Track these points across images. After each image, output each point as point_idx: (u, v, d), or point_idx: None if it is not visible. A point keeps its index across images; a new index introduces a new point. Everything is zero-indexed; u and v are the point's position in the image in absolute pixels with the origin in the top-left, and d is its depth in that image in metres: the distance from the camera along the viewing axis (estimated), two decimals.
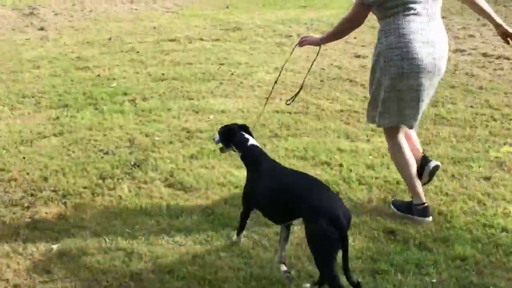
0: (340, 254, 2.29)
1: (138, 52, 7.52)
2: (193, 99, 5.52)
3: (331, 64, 6.76)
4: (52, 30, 9.16)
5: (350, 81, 6.09)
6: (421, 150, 3.46)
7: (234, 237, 2.99)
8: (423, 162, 3.39)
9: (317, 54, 3.70)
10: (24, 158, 4.16)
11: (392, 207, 3.40)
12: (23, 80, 6.22)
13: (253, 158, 2.88)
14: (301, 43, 3.52)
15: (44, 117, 5.06)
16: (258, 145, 2.96)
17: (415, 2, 3.08)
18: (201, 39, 8.17)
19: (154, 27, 9.16)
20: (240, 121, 4.86)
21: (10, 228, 3.21)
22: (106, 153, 4.25)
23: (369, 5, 3.13)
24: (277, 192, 2.59)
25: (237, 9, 11.06)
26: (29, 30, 9.16)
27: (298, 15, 10.04)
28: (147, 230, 3.16)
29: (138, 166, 4.00)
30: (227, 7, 11.26)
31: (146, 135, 4.59)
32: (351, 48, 7.53)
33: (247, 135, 2.99)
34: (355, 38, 8.06)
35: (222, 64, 6.81)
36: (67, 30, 9.10)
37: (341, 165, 4.00)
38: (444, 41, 3.20)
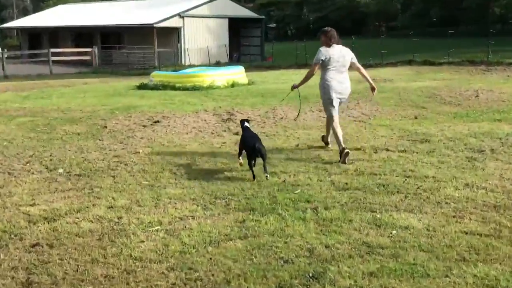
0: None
1: (323, 159, 7.73)
2: (375, 211, 5.46)
3: None
4: None
5: None
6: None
7: (241, 161, 7.27)
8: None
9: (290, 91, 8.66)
10: (210, 259, 4.42)
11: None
12: (217, 182, 6.72)
13: (243, 129, 7.56)
14: (293, 87, 8.28)
15: (232, 219, 5.38)
16: (248, 125, 7.59)
17: (332, 66, 7.73)
18: (387, 150, 8.16)
19: None
20: (424, 239, 4.69)
21: None
22: (286, 261, 4.33)
23: (318, 64, 7.76)
24: (244, 140, 7.18)
25: (426, 120, 10.91)
26: (226, 135, 9.98)
27: (492, 129, 9.56)
28: None
29: (316, 279, 3.99)
30: (416, 118, 11.17)
31: (326, 246, 4.60)
32: None
33: (245, 122, 7.69)
34: None
35: (408, 177, 6.68)
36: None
37: None
38: (346, 82, 7.89)
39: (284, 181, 6.68)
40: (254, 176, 6.73)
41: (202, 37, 39.39)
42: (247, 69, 22.32)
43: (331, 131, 8.05)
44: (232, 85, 18.95)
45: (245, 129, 7.54)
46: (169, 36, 38.24)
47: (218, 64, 36.35)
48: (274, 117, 11.74)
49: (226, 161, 7.79)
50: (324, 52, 7.75)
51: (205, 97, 15.93)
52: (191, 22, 38.89)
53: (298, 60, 32.34)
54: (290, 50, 36.22)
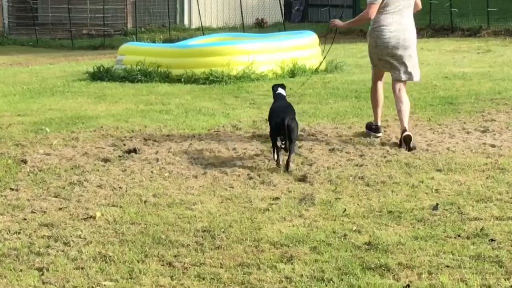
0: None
1: (492, 239, 7.63)
2: None
3: None
4: (323, 181, 9.88)
5: None
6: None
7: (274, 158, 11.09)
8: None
9: (335, 35, 14.56)
10: None
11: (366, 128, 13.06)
12: (262, 285, 6.70)
13: (274, 96, 12.27)
14: (332, 25, 13.09)
15: None
16: (281, 92, 12.15)
17: (394, 7, 11.70)
18: None
19: None
20: None
21: None
22: None
23: (376, 4, 11.51)
24: (271, 112, 11.83)
25: None
26: (280, 180, 10.02)
27: None
28: None
29: None
30: None
31: None
32: None
33: (279, 88, 12.27)
34: None
35: None
36: (350, 185, 9.76)
37: None
38: (410, 29, 12.02)
39: (408, 285, 6.62)
40: (278, 162, 10.79)
41: None
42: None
43: (405, 112, 12.16)
44: (293, 73, 19.09)
45: (278, 98, 11.97)
46: None
47: (261, 27, 36.61)
48: (384, 143, 11.73)
49: (277, 237, 7.78)
50: None
51: (235, 99, 16.11)
52: None
53: (434, 17, 32.33)
54: None
